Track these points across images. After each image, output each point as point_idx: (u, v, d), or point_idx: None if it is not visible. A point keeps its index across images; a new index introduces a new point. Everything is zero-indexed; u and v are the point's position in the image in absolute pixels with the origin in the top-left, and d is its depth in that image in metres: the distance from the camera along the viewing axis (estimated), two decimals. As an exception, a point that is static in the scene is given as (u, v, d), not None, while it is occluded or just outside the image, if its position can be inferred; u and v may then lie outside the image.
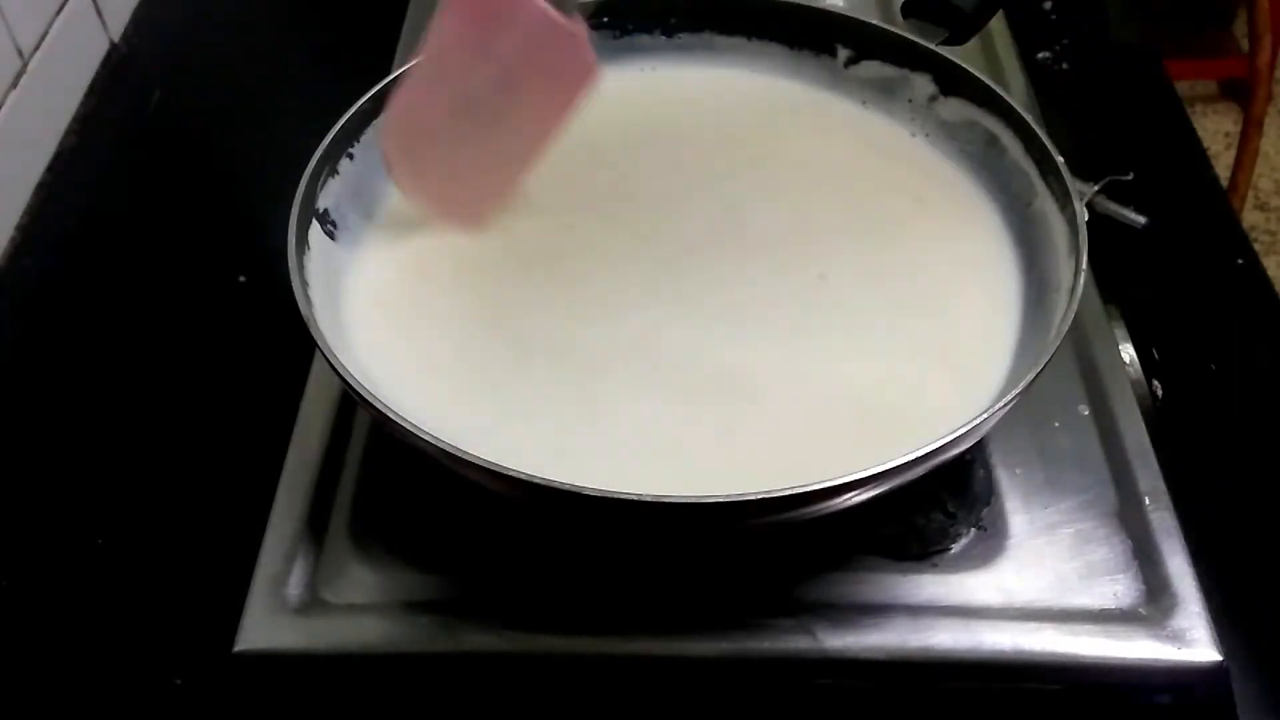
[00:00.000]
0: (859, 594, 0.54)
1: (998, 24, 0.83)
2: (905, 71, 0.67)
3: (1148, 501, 0.57)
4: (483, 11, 0.52)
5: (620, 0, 0.69)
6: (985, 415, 0.48)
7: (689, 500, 0.45)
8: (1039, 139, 0.60)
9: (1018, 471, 0.58)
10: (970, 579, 0.55)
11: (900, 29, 0.66)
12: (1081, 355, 0.63)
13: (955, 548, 0.56)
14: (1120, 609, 0.53)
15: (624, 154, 0.67)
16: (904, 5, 0.67)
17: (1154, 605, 0.53)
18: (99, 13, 0.88)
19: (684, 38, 0.71)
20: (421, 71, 0.55)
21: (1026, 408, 0.53)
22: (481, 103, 0.54)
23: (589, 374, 0.56)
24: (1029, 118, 0.61)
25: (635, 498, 0.45)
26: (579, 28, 0.53)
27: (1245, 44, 1.84)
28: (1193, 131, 0.85)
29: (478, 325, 0.59)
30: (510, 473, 0.46)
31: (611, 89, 0.70)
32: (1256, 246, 0.87)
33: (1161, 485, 0.57)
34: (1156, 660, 0.52)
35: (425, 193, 0.59)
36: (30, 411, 0.69)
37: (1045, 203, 0.59)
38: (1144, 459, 0.59)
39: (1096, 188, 0.73)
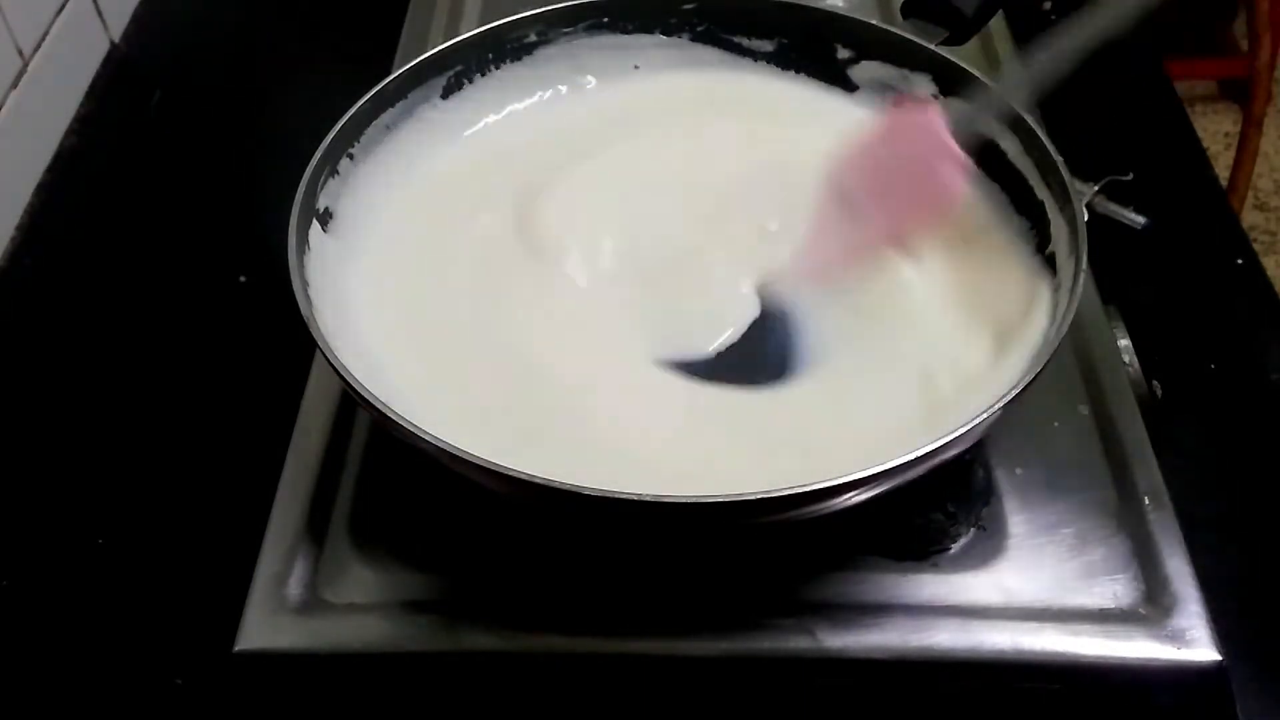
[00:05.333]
0: (859, 594, 0.54)
1: (998, 24, 0.83)
2: (905, 71, 0.67)
3: (1147, 501, 0.57)
4: (899, 131, 0.58)
5: (620, 0, 0.69)
6: (984, 415, 0.48)
7: (689, 500, 0.45)
8: (1039, 139, 0.60)
9: (1018, 471, 0.58)
10: (970, 579, 0.55)
11: (900, 29, 0.66)
12: (1081, 355, 0.63)
13: (955, 548, 0.56)
14: (1120, 609, 0.53)
15: (625, 154, 0.67)
16: (904, 5, 0.67)
17: (1153, 605, 0.53)
18: (99, 13, 0.89)
19: (683, 38, 0.71)
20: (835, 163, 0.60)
21: (1026, 408, 0.53)
22: (854, 200, 0.59)
23: (597, 367, 0.56)
24: (1029, 118, 0.61)
25: (635, 497, 0.45)
26: (961, 163, 0.57)
27: (1245, 44, 1.85)
28: (1193, 131, 0.85)
29: (480, 324, 0.59)
30: (510, 473, 0.45)
31: (612, 89, 0.70)
32: (1256, 246, 0.87)
33: (1161, 485, 0.57)
34: (1156, 660, 0.52)
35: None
36: (31, 411, 0.69)
37: (1045, 203, 0.59)
38: (1144, 459, 0.59)
39: (1096, 188, 0.73)
